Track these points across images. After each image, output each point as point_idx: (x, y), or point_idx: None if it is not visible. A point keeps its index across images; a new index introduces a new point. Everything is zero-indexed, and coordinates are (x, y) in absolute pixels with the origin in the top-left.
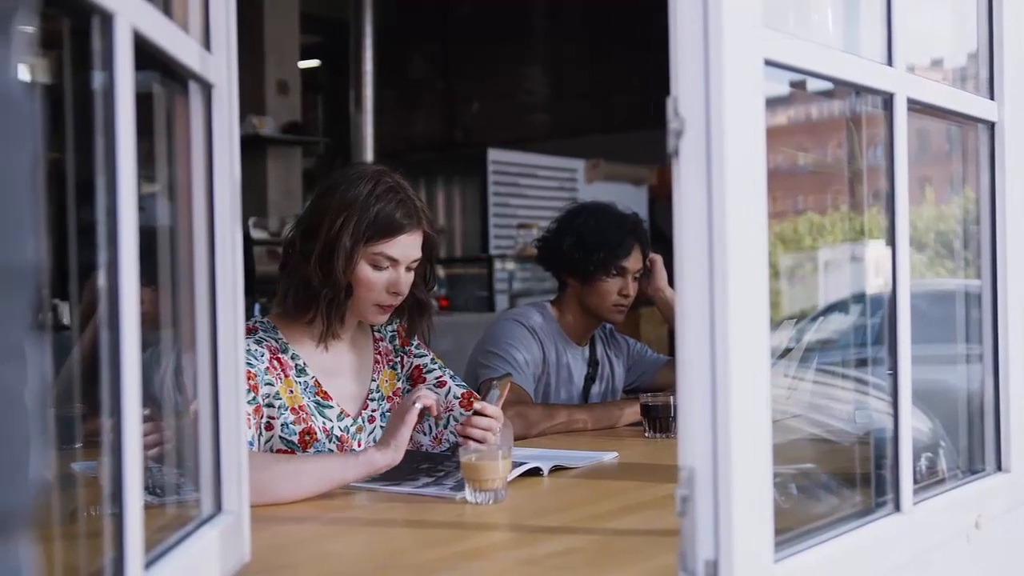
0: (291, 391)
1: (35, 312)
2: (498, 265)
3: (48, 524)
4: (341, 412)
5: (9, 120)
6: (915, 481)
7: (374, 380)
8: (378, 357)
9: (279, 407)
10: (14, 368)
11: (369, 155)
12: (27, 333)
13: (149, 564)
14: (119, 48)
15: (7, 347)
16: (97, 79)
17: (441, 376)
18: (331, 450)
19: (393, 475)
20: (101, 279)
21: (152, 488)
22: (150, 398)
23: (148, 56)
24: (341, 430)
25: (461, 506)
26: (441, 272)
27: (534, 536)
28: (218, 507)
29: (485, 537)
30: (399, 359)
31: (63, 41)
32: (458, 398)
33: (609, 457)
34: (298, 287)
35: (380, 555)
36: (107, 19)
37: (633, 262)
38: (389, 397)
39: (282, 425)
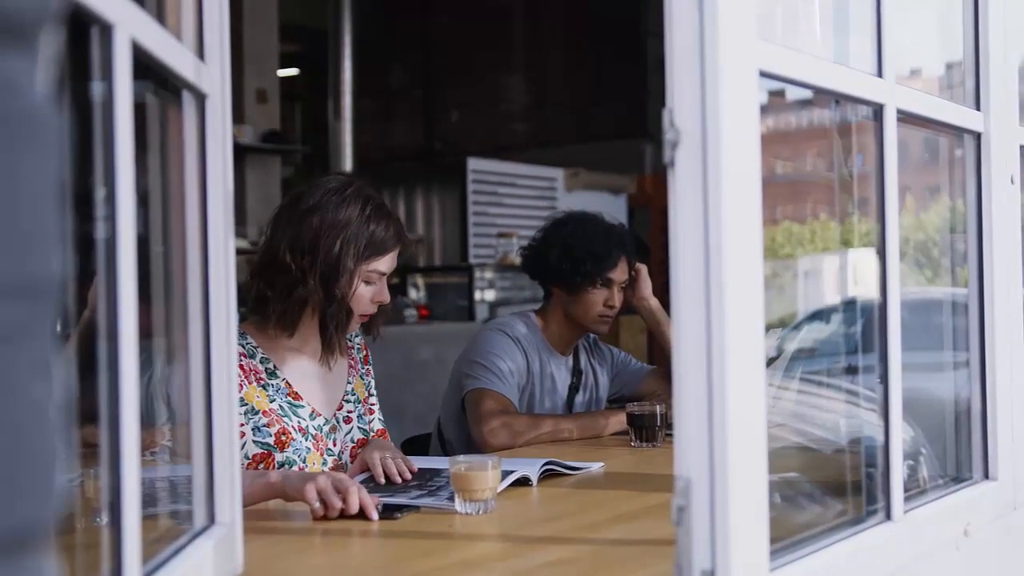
0: (258, 395)
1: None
2: (478, 274)
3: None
4: (312, 412)
5: (37, 135)
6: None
7: (349, 383)
8: (351, 363)
9: (245, 412)
10: (42, 382)
11: (348, 164)
12: (53, 347)
13: None
14: (118, 59)
15: (36, 361)
16: (95, 88)
17: (374, 405)
18: (308, 448)
19: (386, 489)
20: (99, 290)
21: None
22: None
23: (143, 66)
24: (315, 429)
25: (451, 517)
26: (421, 281)
27: (527, 546)
28: (211, 519)
29: (477, 548)
30: (363, 371)
31: (60, 51)
32: (373, 432)
33: (596, 467)
34: (295, 306)
35: (372, 566)
36: (106, 30)
37: (619, 273)
38: (363, 401)
39: (254, 429)
